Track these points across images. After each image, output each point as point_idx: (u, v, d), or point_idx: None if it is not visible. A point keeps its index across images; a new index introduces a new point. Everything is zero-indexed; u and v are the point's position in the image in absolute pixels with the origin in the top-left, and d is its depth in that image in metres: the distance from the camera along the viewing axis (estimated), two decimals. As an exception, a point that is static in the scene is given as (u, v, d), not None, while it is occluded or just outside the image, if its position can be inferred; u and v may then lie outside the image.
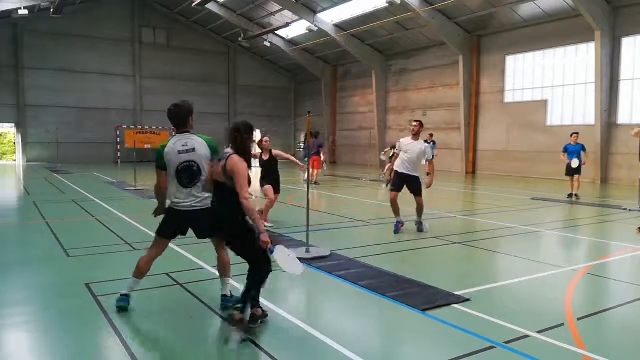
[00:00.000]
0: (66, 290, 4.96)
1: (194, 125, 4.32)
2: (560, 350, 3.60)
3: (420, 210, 8.22)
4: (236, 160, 3.91)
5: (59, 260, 6.18)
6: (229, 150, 4.04)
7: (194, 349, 3.62)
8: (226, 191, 3.98)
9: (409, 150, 7.97)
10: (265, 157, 8.64)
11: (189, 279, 5.24)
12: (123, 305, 4.25)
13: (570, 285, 5.33)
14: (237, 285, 4.62)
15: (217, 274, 4.65)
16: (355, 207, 11.17)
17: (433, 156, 21.56)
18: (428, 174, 8.41)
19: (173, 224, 4.29)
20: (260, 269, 4.00)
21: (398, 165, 8.09)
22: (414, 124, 8.06)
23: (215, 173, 4.15)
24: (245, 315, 3.95)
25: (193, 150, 4.15)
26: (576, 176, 12.89)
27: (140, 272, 4.31)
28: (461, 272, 5.98)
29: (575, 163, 12.83)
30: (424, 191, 8.18)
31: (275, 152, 8.69)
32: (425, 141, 19.33)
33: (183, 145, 4.15)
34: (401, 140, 8.29)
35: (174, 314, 4.30)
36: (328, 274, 5.49)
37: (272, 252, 3.82)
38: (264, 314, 4.06)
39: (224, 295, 4.41)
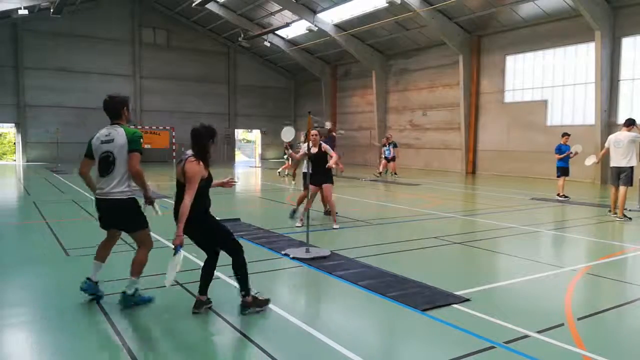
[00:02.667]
0: (66, 290, 4.95)
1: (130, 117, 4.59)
2: (560, 350, 3.60)
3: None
4: (191, 163, 4.07)
5: (59, 260, 6.18)
6: (189, 152, 4.22)
7: (194, 349, 3.62)
8: (183, 191, 4.08)
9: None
10: (315, 151, 8.54)
11: (189, 279, 5.22)
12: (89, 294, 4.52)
13: (570, 285, 5.33)
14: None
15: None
16: (355, 207, 11.18)
17: (394, 157, 21.57)
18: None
19: (98, 213, 4.50)
20: (235, 253, 4.24)
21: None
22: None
23: (177, 173, 4.26)
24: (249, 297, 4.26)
25: (112, 140, 4.30)
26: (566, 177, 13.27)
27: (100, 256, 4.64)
28: (461, 272, 5.98)
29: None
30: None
31: (324, 146, 8.67)
32: (387, 143, 19.52)
33: (106, 136, 4.34)
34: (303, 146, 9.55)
35: (174, 314, 4.30)
36: (328, 274, 5.49)
37: (177, 252, 3.97)
38: (255, 301, 4.27)
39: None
